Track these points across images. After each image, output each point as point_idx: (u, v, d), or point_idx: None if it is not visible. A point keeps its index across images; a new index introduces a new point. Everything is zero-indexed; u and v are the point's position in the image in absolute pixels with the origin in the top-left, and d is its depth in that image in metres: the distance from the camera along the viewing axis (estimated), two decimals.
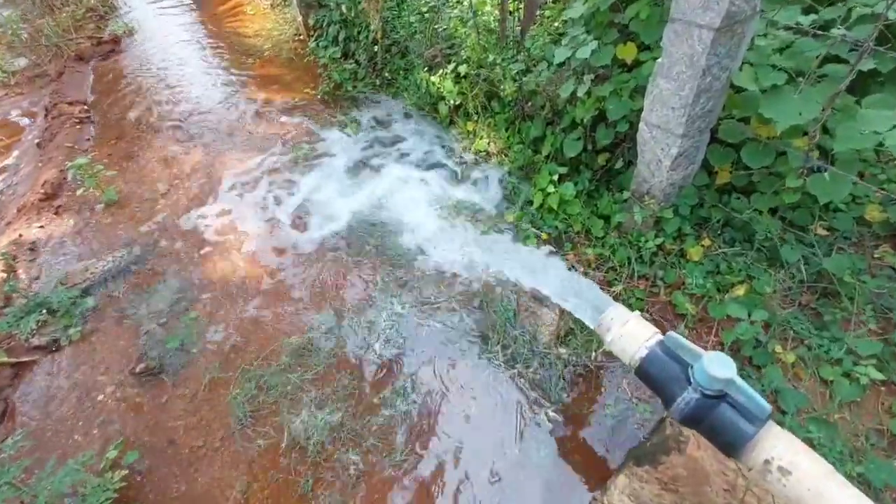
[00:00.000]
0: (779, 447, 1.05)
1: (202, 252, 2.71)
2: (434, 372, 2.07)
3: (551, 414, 1.91)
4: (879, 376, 1.59)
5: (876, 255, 1.94)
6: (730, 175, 2.11)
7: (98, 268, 2.60)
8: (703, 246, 2.06)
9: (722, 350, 1.88)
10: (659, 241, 2.10)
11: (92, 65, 4.83)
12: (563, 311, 2.19)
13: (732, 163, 2.04)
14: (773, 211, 2.01)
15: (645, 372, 1.27)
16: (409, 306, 2.30)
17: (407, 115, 3.48)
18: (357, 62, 3.82)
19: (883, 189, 1.78)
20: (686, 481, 1.47)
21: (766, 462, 1.06)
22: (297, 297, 2.42)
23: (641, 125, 1.84)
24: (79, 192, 3.11)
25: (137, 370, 2.17)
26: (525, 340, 2.10)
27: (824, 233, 2.04)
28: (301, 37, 4.59)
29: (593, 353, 2.02)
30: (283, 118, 3.69)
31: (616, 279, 2.17)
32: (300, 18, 4.37)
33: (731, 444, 1.11)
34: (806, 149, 1.67)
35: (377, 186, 2.98)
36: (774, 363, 1.75)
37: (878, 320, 1.71)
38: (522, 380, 2.00)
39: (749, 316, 1.76)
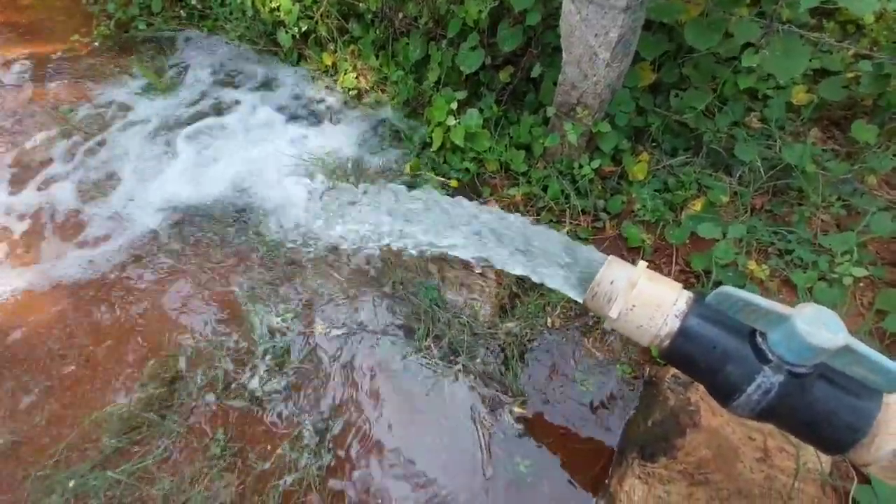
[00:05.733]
0: None
1: None
2: (351, 394, 1.47)
3: (516, 411, 1.45)
4: (861, 272, 1.40)
5: (811, 142, 1.78)
6: (652, 73, 1.76)
7: None
8: (644, 162, 1.71)
9: (694, 281, 1.59)
10: (595, 163, 1.69)
11: None
12: (500, 273, 1.71)
13: (658, 56, 1.69)
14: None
15: (681, 354, 0.82)
16: (292, 314, 1.62)
17: (236, 57, 2.57)
18: None
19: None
20: (715, 464, 1.13)
21: None
22: (105, 339, 1.57)
23: (567, 4, 1.34)
24: None
25: None
26: (462, 323, 1.58)
27: (758, 125, 1.82)
28: None
29: (548, 319, 1.59)
30: (42, 81, 2.50)
31: (554, 220, 1.74)
32: None
33: (838, 440, 0.73)
34: (773, 10, 1.34)
35: (210, 160, 2.12)
36: (748, 284, 1.49)
37: (847, 211, 1.52)
38: (470, 376, 1.50)
39: (724, 235, 1.45)
